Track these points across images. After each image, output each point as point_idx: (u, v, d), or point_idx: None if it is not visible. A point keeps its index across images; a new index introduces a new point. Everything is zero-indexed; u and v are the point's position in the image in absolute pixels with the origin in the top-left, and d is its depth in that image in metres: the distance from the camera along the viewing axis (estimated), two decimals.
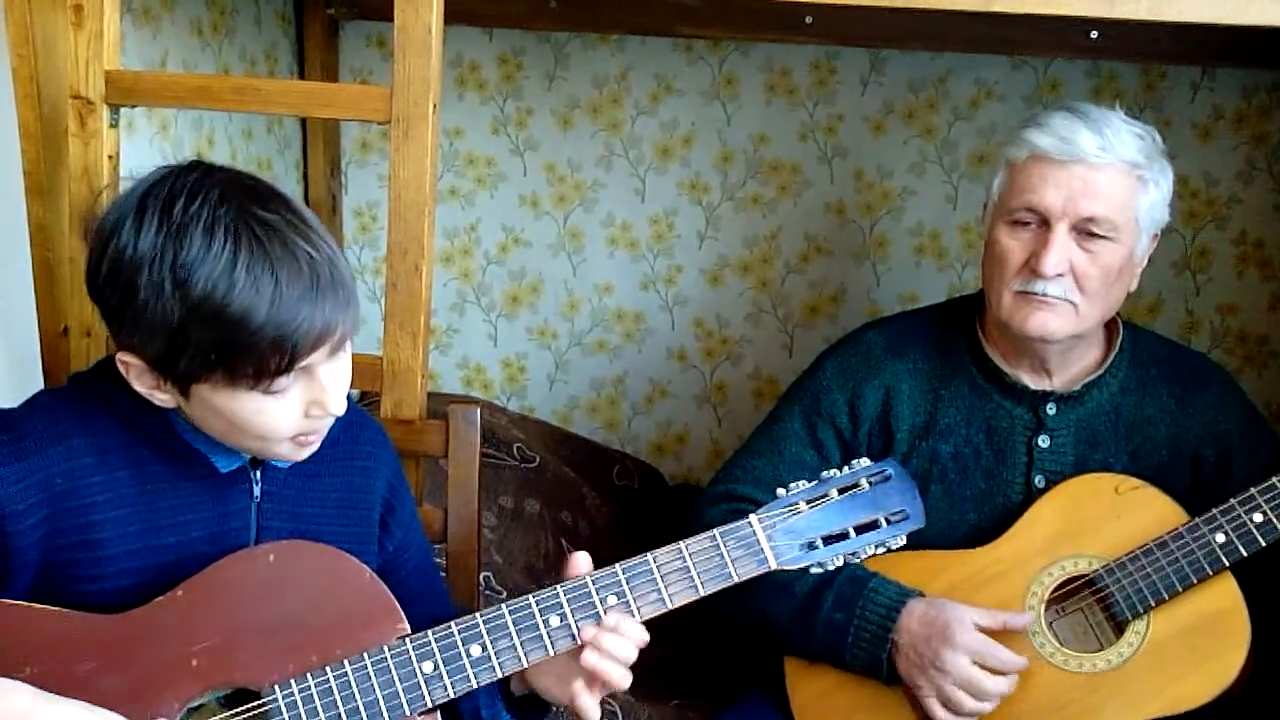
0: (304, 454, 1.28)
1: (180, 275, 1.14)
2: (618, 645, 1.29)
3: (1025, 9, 1.60)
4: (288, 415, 1.22)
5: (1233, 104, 2.40)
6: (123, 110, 1.61)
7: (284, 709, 1.23)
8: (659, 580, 1.31)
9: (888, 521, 1.36)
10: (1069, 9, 1.60)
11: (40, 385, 1.63)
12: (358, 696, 1.25)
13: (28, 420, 1.24)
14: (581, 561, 1.33)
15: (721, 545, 1.32)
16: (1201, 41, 2.27)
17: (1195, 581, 1.57)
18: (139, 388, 1.22)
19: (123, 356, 1.21)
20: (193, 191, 1.17)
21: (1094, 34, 2.20)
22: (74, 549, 1.23)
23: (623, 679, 1.30)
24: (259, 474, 1.33)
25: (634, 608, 1.30)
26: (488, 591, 2.01)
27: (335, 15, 2.43)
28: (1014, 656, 1.55)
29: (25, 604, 1.21)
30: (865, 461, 1.40)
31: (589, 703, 1.31)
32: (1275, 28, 1.54)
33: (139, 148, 1.86)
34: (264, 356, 1.16)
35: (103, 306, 1.21)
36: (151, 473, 1.27)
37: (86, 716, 1.14)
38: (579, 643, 1.29)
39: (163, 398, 1.23)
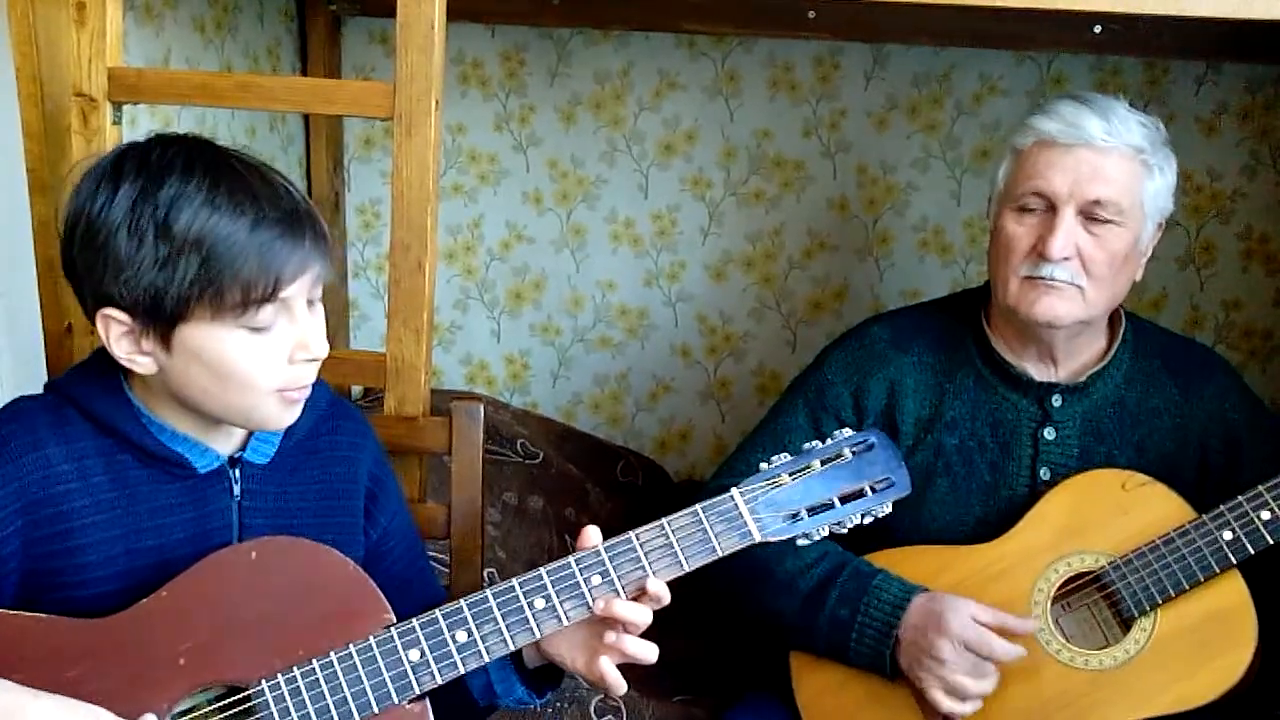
0: (290, 414, 1.27)
1: (163, 210, 1.17)
2: (632, 612, 1.28)
3: (1029, 3, 1.60)
4: (273, 358, 1.22)
5: (1237, 99, 2.39)
6: (125, 108, 1.61)
7: (272, 703, 1.23)
8: (643, 557, 1.30)
9: (873, 490, 1.35)
10: (1073, 3, 1.60)
11: (45, 382, 1.63)
12: (345, 688, 1.24)
13: (2, 430, 1.23)
14: (592, 534, 1.32)
15: (704, 519, 1.31)
16: (1206, 36, 2.26)
17: (1202, 579, 1.57)
18: (118, 353, 1.22)
19: (105, 312, 1.20)
20: (166, 143, 1.22)
21: (1098, 28, 2.20)
22: (55, 557, 1.22)
23: (644, 650, 1.30)
24: (238, 473, 1.32)
25: (618, 586, 1.29)
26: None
27: (338, 11, 2.43)
28: (1008, 646, 1.54)
29: (9, 612, 1.20)
30: (847, 431, 1.38)
31: (613, 675, 1.31)
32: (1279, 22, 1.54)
33: None
34: (250, 280, 1.18)
35: (81, 268, 1.21)
36: (129, 477, 1.26)
37: (67, 712, 1.12)
38: (565, 623, 1.29)
39: (144, 361, 1.22)
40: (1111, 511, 1.63)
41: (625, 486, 2.49)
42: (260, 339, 1.21)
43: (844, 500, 1.34)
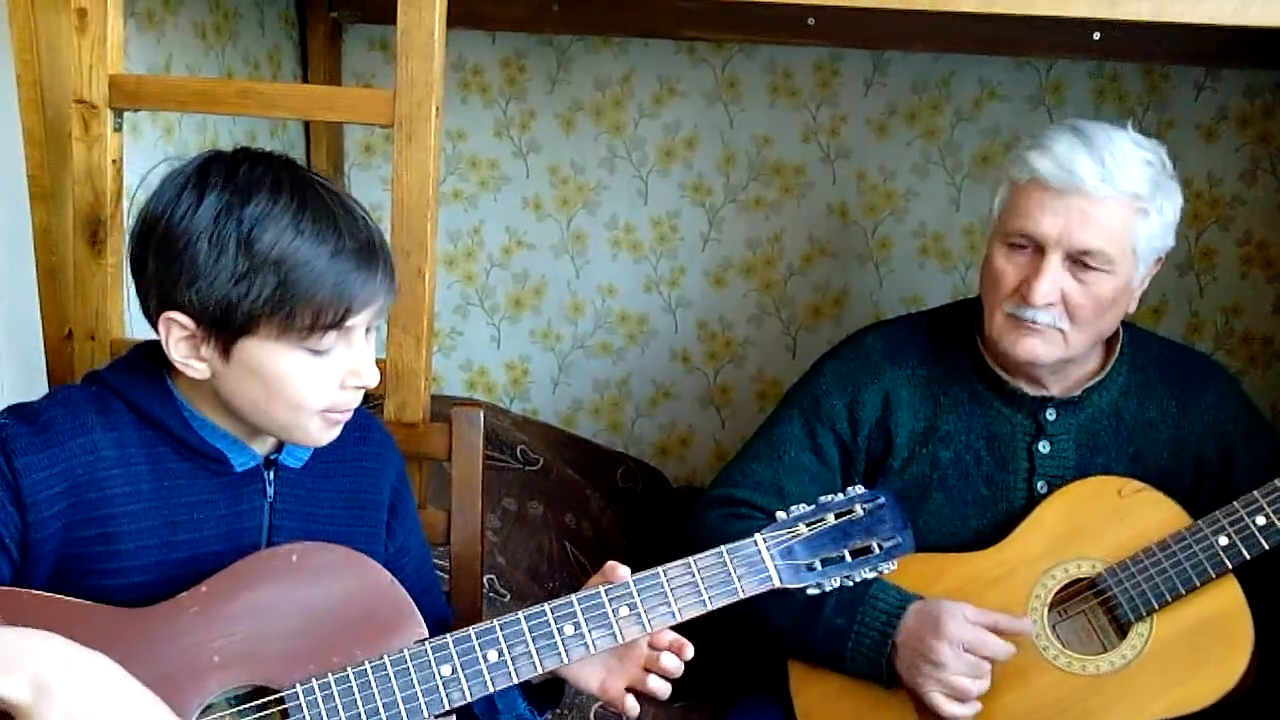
0: (330, 435, 1.30)
1: (248, 226, 1.19)
2: (670, 664, 1.34)
3: (1028, 10, 1.60)
4: (326, 381, 1.25)
5: (1236, 104, 2.40)
6: (126, 114, 1.61)
7: (304, 706, 1.24)
8: (669, 594, 1.34)
9: (880, 547, 1.41)
10: (1072, 10, 1.60)
11: (44, 389, 1.63)
12: (377, 697, 1.26)
13: (50, 412, 1.24)
14: (621, 569, 1.35)
15: (728, 562, 1.36)
16: (1205, 42, 2.26)
17: (1198, 584, 1.57)
18: (175, 355, 1.23)
19: (170, 315, 1.22)
20: (255, 159, 1.24)
21: (1097, 35, 2.20)
22: (91, 542, 1.23)
23: (663, 690, 1.35)
24: (272, 474, 1.34)
25: (645, 620, 1.33)
26: (491, 594, 2.01)
27: (338, 18, 2.43)
28: (1005, 644, 1.54)
29: (49, 594, 1.21)
30: (859, 489, 1.44)
31: (632, 703, 1.36)
32: (1278, 28, 1.54)
33: (143, 152, 1.86)
34: (322, 306, 1.20)
35: (151, 270, 1.23)
36: (168, 469, 1.28)
37: (114, 670, 1.12)
38: (592, 652, 1.32)
39: (199, 366, 1.24)
40: (1108, 518, 1.63)
41: (625, 492, 2.49)
42: (318, 361, 1.24)
43: (854, 555, 1.40)
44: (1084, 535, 1.63)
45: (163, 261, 1.21)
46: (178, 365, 1.24)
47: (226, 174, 1.21)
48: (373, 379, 1.27)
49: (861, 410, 1.74)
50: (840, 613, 1.61)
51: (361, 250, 1.23)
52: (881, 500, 1.42)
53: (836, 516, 1.40)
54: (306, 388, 1.24)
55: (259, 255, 1.19)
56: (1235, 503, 1.58)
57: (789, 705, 1.68)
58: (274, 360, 1.22)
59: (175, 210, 1.21)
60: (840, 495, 1.43)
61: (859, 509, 1.41)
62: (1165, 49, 2.30)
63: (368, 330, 1.27)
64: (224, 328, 1.21)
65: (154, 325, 1.24)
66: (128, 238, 1.27)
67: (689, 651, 1.35)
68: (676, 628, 1.35)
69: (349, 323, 1.23)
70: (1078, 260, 1.58)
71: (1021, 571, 1.63)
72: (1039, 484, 1.69)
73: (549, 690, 1.43)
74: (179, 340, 1.23)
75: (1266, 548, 1.56)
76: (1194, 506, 1.64)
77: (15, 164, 1.61)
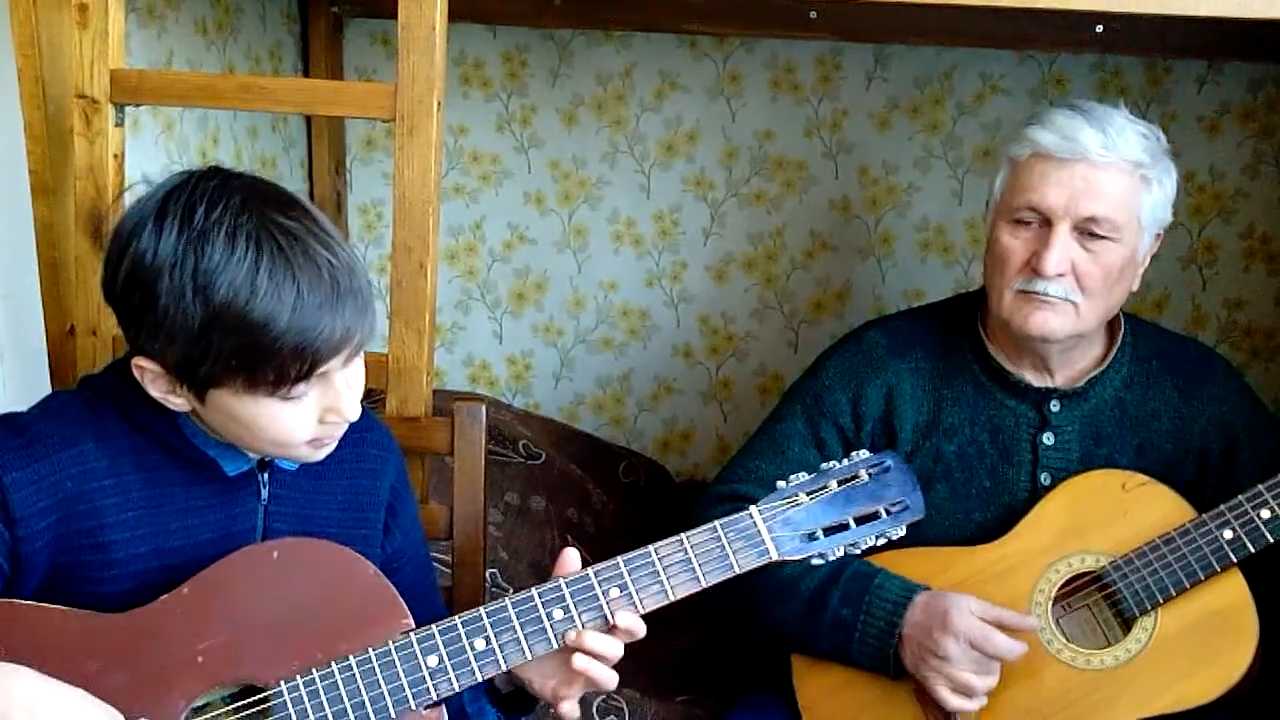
0: (319, 455, 1.29)
1: (201, 282, 1.14)
2: (604, 645, 1.30)
3: (1030, 3, 1.60)
4: (304, 421, 1.23)
5: (1239, 98, 2.39)
6: (128, 109, 1.61)
7: (289, 704, 1.24)
8: (661, 572, 1.31)
9: (887, 512, 1.37)
10: (1075, 2, 1.59)
11: (47, 384, 1.64)
12: (363, 691, 1.25)
13: (40, 424, 1.24)
14: (571, 558, 1.33)
15: (723, 537, 1.33)
16: (1207, 35, 2.26)
17: (1203, 578, 1.57)
18: (154, 392, 1.23)
19: (139, 361, 1.21)
20: (214, 198, 1.17)
21: (1100, 28, 2.20)
22: (83, 551, 1.23)
23: (609, 679, 1.31)
24: (266, 476, 1.33)
25: (636, 600, 1.30)
26: (494, 588, 2.02)
27: (340, 13, 2.43)
28: (1012, 642, 1.54)
29: (33, 603, 1.21)
30: (864, 453, 1.40)
31: (570, 706, 1.33)
32: None
33: (144, 147, 1.86)
34: (285, 363, 1.17)
35: (120, 311, 1.22)
36: (161, 476, 1.27)
37: (86, 707, 1.13)
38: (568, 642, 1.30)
39: (178, 402, 1.23)
40: (1112, 512, 1.63)
41: (627, 487, 2.49)
42: (293, 405, 1.22)
43: (859, 521, 1.36)
44: (1088, 529, 1.63)
45: (129, 307, 1.19)
46: (158, 400, 1.23)
47: (183, 214, 1.16)
48: (353, 414, 1.25)
49: (865, 405, 1.74)
50: (846, 604, 1.61)
51: (325, 300, 1.17)
52: (888, 464, 1.38)
53: (840, 483, 1.36)
54: (285, 429, 1.23)
55: (215, 316, 1.15)
56: (1240, 496, 1.58)
57: (793, 700, 1.68)
58: (247, 408, 1.21)
59: (136, 246, 1.17)
60: (844, 461, 1.38)
61: (864, 474, 1.37)
62: (1168, 42, 2.30)
63: (348, 361, 1.24)
64: (191, 380, 1.19)
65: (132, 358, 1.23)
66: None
67: (625, 618, 1.30)
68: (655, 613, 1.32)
69: (319, 371, 1.20)
70: (1085, 229, 1.59)
71: (1025, 565, 1.63)
72: (1043, 476, 1.69)
73: (520, 700, 1.41)
74: (153, 380, 1.22)
75: (1271, 541, 1.56)
76: (1197, 498, 1.64)
77: (17, 159, 1.61)
